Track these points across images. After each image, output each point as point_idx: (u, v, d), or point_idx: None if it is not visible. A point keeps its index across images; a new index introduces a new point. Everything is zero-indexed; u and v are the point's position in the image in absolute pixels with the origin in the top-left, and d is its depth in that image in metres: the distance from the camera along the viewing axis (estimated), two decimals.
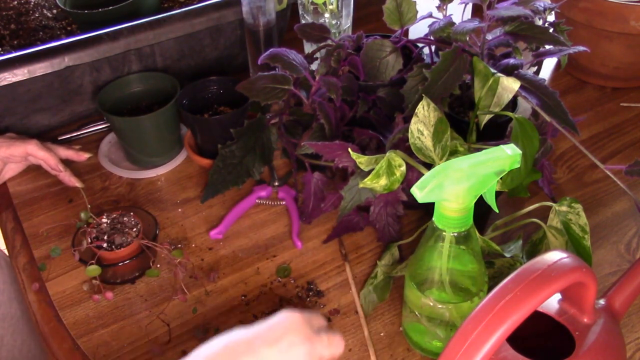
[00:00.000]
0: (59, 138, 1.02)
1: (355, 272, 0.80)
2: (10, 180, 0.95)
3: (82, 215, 0.82)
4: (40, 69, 0.90)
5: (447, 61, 0.75)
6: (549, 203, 0.74)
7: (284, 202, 0.89)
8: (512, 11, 0.74)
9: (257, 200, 0.90)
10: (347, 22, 1.04)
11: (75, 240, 0.82)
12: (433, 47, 0.85)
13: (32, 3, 1.13)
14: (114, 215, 0.82)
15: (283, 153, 0.92)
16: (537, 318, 0.55)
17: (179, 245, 0.84)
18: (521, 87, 0.72)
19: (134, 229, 0.80)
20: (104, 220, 0.82)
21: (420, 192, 0.55)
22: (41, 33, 1.09)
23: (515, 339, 0.54)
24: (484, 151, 0.56)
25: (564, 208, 0.73)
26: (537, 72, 0.91)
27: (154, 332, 0.74)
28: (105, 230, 0.80)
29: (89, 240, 0.79)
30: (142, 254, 0.80)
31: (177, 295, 0.76)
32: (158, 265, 0.81)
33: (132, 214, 0.82)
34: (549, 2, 0.82)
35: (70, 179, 0.88)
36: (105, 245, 0.79)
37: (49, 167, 0.87)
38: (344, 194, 0.80)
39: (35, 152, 0.86)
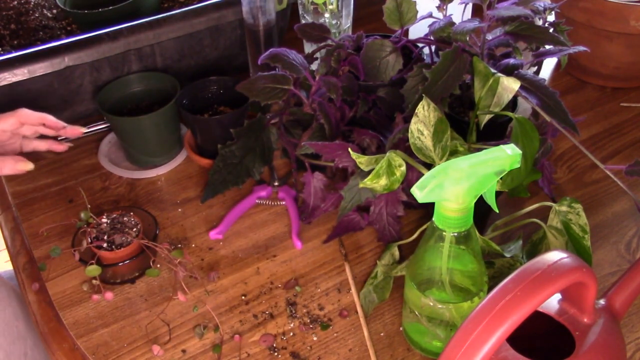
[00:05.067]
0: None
1: (355, 272, 0.80)
2: (10, 180, 0.95)
3: (82, 215, 0.82)
4: (40, 69, 0.90)
5: (447, 61, 0.75)
6: (549, 203, 0.74)
7: (284, 202, 0.89)
8: (512, 11, 0.74)
9: (257, 200, 0.90)
10: (347, 22, 1.04)
11: (75, 240, 0.82)
12: (433, 47, 0.85)
13: (32, 3, 1.13)
14: (114, 215, 0.82)
15: (283, 153, 0.92)
16: (537, 318, 0.55)
17: (179, 245, 0.84)
18: (521, 87, 0.72)
19: (134, 229, 0.80)
20: (104, 220, 0.82)
21: (420, 192, 0.55)
22: (41, 33, 1.09)
23: (515, 339, 0.54)
24: (484, 151, 0.56)
25: (564, 208, 0.73)
26: (537, 72, 0.91)
27: (154, 332, 0.74)
28: (105, 230, 0.80)
29: (89, 240, 0.79)
30: (142, 254, 0.80)
31: (177, 295, 0.76)
32: (158, 265, 0.81)
33: (132, 214, 0.82)
34: (549, 2, 0.82)
35: (74, 130, 0.84)
36: (105, 245, 0.79)
37: (50, 126, 0.83)
38: (344, 194, 0.80)
39: (27, 116, 0.82)
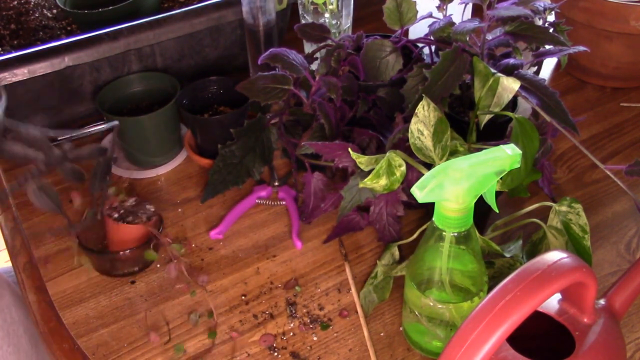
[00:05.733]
0: (59, 138, 1.01)
1: (355, 272, 0.80)
2: (10, 180, 0.95)
3: (113, 190, 0.82)
4: (40, 69, 0.90)
5: (447, 61, 0.75)
6: (549, 203, 0.74)
7: (284, 202, 0.89)
8: (512, 11, 0.74)
9: (257, 200, 0.90)
10: (347, 22, 1.04)
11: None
12: (433, 47, 0.85)
13: (32, 3, 1.13)
14: (144, 201, 0.82)
15: (283, 153, 0.92)
16: (537, 318, 0.55)
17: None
18: (521, 87, 0.72)
19: (148, 216, 0.80)
20: (131, 201, 0.82)
21: (420, 192, 0.55)
22: (41, 33, 1.09)
23: (515, 339, 0.54)
24: (484, 151, 0.56)
25: (564, 208, 0.73)
26: (537, 72, 0.91)
27: (154, 332, 0.74)
28: (127, 208, 0.81)
29: (110, 205, 0.80)
30: (146, 244, 0.79)
31: (181, 284, 0.76)
32: (162, 255, 0.81)
33: (153, 208, 0.82)
34: (549, 2, 0.82)
35: None
36: (116, 215, 0.79)
37: None
38: (344, 194, 0.80)
39: None
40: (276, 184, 0.91)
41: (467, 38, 0.76)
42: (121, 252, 0.79)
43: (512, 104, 0.81)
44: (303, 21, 1.03)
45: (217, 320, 0.75)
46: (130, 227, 0.79)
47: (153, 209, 0.82)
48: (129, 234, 0.79)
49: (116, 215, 0.79)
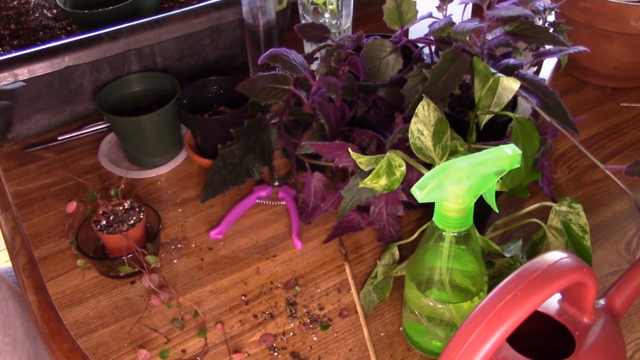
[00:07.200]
0: (59, 138, 1.02)
1: (355, 272, 0.80)
2: (10, 180, 0.95)
3: (112, 192, 0.82)
4: (40, 69, 0.90)
5: (447, 61, 0.75)
6: (549, 203, 0.74)
7: (284, 202, 0.89)
8: (512, 11, 0.74)
9: (257, 200, 0.90)
10: (347, 22, 1.04)
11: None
12: (433, 47, 0.85)
13: (32, 3, 1.13)
14: (137, 205, 0.82)
15: (283, 153, 0.92)
16: (537, 318, 0.55)
17: (179, 246, 0.84)
18: (521, 87, 0.72)
19: (131, 224, 0.80)
20: (125, 204, 0.82)
21: (420, 192, 0.55)
22: (41, 33, 1.09)
23: (515, 339, 0.54)
24: (484, 151, 0.56)
25: (564, 208, 0.73)
26: (537, 72, 0.91)
27: (154, 332, 0.74)
28: (117, 212, 0.80)
29: (100, 212, 0.80)
30: (132, 254, 0.79)
31: (151, 299, 0.76)
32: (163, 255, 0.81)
33: (144, 211, 0.82)
34: (549, 2, 0.82)
35: None
36: (103, 222, 0.79)
37: None
38: (344, 194, 0.80)
39: None
40: (276, 184, 0.91)
41: (467, 38, 0.76)
42: (108, 260, 0.79)
43: (512, 104, 0.81)
44: (303, 21, 1.03)
45: (204, 317, 0.75)
46: (111, 237, 0.79)
47: (143, 215, 0.81)
48: (113, 242, 0.79)
49: (103, 223, 0.79)
